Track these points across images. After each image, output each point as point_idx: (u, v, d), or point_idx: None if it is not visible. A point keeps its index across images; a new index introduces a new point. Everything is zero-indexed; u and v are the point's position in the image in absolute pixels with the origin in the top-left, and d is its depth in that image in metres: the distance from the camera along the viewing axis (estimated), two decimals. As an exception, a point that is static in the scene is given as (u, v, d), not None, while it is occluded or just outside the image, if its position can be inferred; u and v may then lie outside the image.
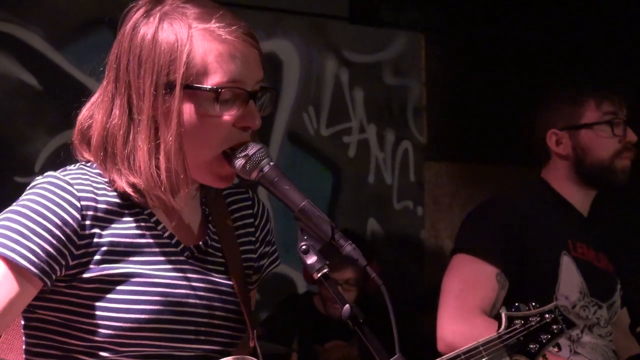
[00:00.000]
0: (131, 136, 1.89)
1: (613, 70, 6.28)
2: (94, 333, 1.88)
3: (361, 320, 1.83)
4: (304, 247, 1.85)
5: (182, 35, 1.87)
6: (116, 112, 1.91)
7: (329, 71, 6.15)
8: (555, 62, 6.71)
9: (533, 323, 2.34)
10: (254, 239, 2.13)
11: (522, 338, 2.30)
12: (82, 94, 2.02)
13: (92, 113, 1.95)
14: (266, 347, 4.18)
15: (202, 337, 1.96)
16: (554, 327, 2.37)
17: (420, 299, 6.08)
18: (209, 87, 1.87)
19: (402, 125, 6.43)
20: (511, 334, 2.30)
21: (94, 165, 1.95)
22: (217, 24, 1.89)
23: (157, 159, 1.87)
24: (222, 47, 1.88)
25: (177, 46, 1.87)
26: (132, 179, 1.89)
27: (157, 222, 1.95)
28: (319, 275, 1.84)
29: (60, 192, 1.87)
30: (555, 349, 2.38)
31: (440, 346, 2.97)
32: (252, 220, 2.14)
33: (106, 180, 1.93)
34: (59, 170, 1.93)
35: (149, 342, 1.89)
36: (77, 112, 1.99)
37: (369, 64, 6.33)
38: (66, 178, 1.89)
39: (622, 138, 3.20)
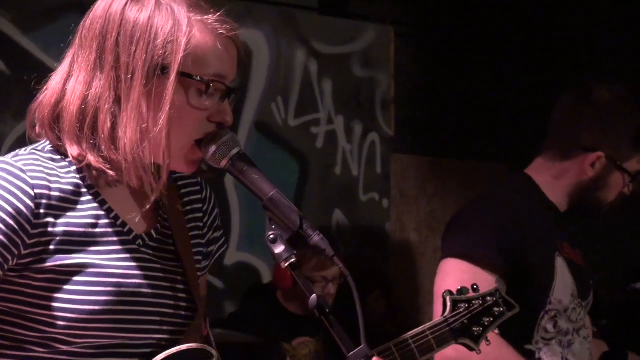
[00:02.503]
0: (118, 113, 1.86)
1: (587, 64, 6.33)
2: (47, 324, 1.85)
3: (327, 310, 1.83)
4: (272, 236, 1.86)
5: (182, 21, 1.86)
6: (98, 84, 1.87)
7: (298, 62, 6.15)
8: (525, 56, 6.75)
9: (476, 306, 2.34)
10: (202, 224, 2.12)
11: (466, 321, 2.30)
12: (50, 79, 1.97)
13: (64, 84, 1.91)
14: (234, 337, 4.18)
15: (155, 327, 1.95)
16: (496, 309, 2.37)
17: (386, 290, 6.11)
18: (202, 78, 1.87)
19: (370, 117, 6.44)
20: (456, 318, 2.29)
21: (46, 149, 1.92)
22: (213, 18, 1.90)
23: (146, 141, 1.85)
24: (217, 41, 1.89)
25: (176, 30, 1.86)
26: (114, 156, 1.86)
27: (110, 210, 1.93)
28: (286, 264, 1.84)
29: (14, 179, 1.83)
30: (497, 331, 2.38)
31: None
32: (200, 205, 2.12)
33: (59, 165, 1.89)
34: (10, 156, 1.89)
35: (102, 332, 1.87)
36: (40, 88, 1.94)
37: (338, 55, 6.33)
38: (19, 165, 1.85)
39: (625, 193, 3.15)
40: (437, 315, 2.85)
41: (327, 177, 6.25)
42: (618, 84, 3.13)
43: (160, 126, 1.84)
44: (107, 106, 1.86)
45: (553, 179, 3.13)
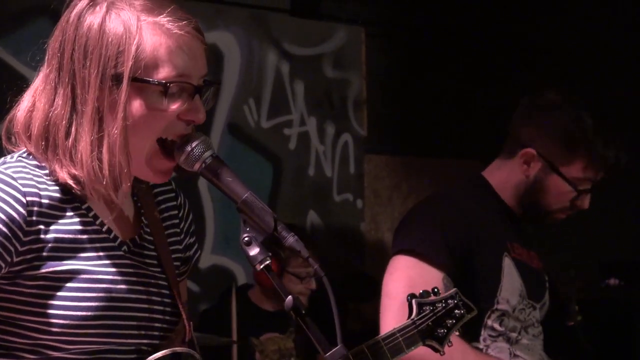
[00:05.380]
0: (74, 127, 1.87)
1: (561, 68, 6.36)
2: (39, 331, 1.86)
3: (303, 312, 1.84)
4: (246, 238, 1.86)
5: (131, 28, 1.86)
6: (59, 101, 1.88)
7: (269, 63, 6.14)
8: (497, 54, 6.77)
9: (439, 308, 2.36)
10: (178, 230, 2.13)
11: (431, 323, 2.33)
12: (21, 84, 1.99)
13: (35, 101, 1.92)
14: (205, 339, 4.18)
15: (143, 332, 1.96)
16: (457, 312, 2.40)
17: (362, 290, 6.12)
18: (157, 81, 1.86)
19: (342, 118, 6.45)
20: (423, 320, 2.32)
21: (31, 157, 1.92)
22: (167, 18, 1.88)
23: (100, 151, 1.86)
24: (170, 41, 1.87)
25: (125, 38, 1.85)
26: (73, 171, 1.87)
27: (95, 217, 1.94)
28: (261, 266, 1.84)
29: (5, 187, 1.84)
30: (457, 333, 2.41)
31: None
32: (176, 211, 2.13)
33: (45, 172, 1.90)
34: None
35: (93, 338, 1.88)
36: (17, 99, 1.96)
37: (309, 56, 6.33)
38: (9, 172, 1.86)
39: (579, 206, 3.15)
40: (386, 313, 2.89)
41: (301, 178, 6.25)
42: (571, 92, 3.14)
43: (114, 136, 1.85)
44: (64, 122, 1.88)
45: (504, 180, 3.16)
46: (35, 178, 1.88)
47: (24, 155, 1.93)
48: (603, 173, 3.12)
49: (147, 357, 1.96)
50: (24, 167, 1.89)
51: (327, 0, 6.40)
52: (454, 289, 2.46)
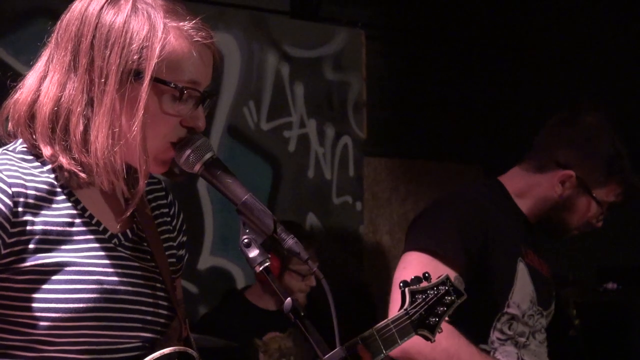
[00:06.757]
0: (89, 115, 1.86)
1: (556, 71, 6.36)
2: (31, 326, 1.85)
3: (302, 314, 1.84)
4: (245, 240, 1.86)
5: (157, 27, 1.87)
6: (72, 86, 1.87)
7: (269, 65, 6.14)
8: (498, 58, 6.78)
9: (431, 296, 2.36)
10: (171, 227, 2.13)
11: (423, 312, 2.32)
12: (14, 77, 1.98)
13: (40, 83, 1.91)
14: (207, 342, 4.18)
15: (137, 325, 1.96)
16: (447, 298, 2.39)
17: (359, 293, 6.12)
18: (175, 84, 1.87)
19: (342, 120, 6.45)
20: (416, 309, 2.31)
21: (17, 149, 1.92)
22: (189, 25, 1.91)
23: (117, 145, 1.86)
24: (192, 48, 1.89)
25: (151, 36, 1.86)
26: (85, 159, 1.86)
27: (84, 209, 1.93)
28: (260, 268, 1.85)
29: None
30: (447, 319, 2.40)
31: (398, 354, 2.82)
32: (167, 209, 2.14)
33: (33, 164, 1.89)
34: None
35: (87, 331, 1.87)
36: (14, 85, 1.95)
37: (309, 59, 6.33)
38: None
39: (594, 224, 3.23)
40: (394, 305, 2.88)
41: (300, 180, 6.25)
42: (605, 110, 3.18)
43: (134, 132, 1.85)
44: (79, 109, 1.86)
45: (524, 190, 3.19)
46: (21, 170, 1.88)
47: (10, 148, 1.92)
48: (624, 197, 3.21)
49: (145, 353, 1.95)
50: (9, 159, 1.89)
51: (327, 2, 6.40)
52: (445, 274, 2.45)
